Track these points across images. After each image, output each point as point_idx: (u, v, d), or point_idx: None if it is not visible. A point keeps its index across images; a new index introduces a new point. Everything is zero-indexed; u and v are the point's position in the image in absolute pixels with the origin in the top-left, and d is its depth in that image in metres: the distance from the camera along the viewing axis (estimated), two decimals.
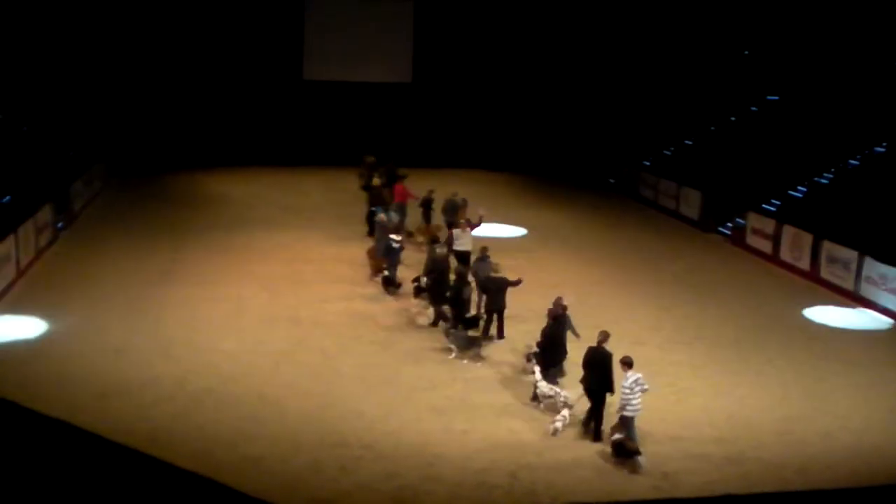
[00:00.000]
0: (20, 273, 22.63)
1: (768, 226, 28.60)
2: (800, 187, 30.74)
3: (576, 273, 24.83)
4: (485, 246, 21.34)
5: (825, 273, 25.37)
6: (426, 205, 27.81)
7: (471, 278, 20.06)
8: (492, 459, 14.35)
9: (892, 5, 34.38)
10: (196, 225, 29.53)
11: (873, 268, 23.48)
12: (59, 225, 27.48)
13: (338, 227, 29.33)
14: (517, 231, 30.25)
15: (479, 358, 18.50)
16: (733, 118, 38.90)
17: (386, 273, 22.70)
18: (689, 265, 27.42)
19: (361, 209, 29.07)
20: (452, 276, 20.44)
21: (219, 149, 41.06)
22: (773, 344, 20.48)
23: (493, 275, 19.78)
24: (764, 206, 30.16)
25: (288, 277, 23.93)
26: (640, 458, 14.28)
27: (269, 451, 14.30)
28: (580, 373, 15.64)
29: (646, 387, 14.72)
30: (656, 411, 16.45)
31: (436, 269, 20.58)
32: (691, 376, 18.32)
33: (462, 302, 19.45)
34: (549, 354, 16.75)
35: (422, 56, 43.63)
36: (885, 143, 30.42)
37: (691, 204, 33.76)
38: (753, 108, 38.68)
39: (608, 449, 14.68)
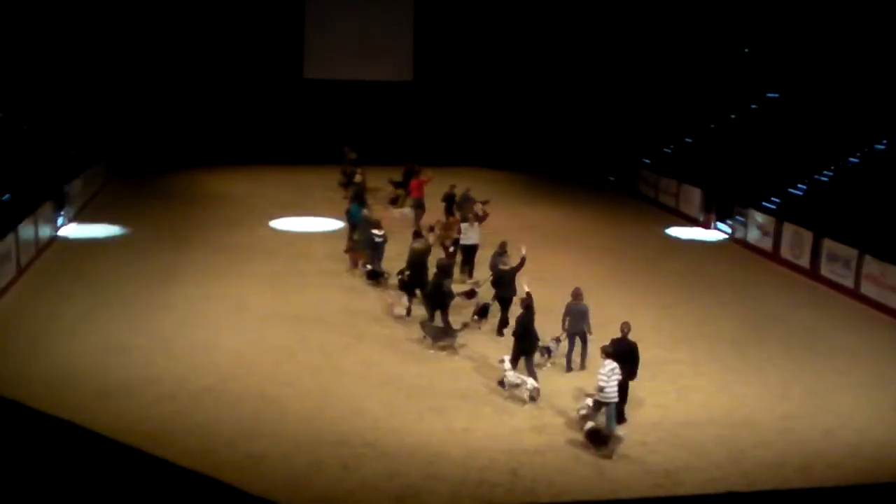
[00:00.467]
0: (20, 272, 22.62)
1: (768, 223, 28.61)
2: (800, 185, 30.74)
3: (576, 271, 24.80)
4: (504, 241, 21.66)
5: (825, 271, 25.37)
6: (448, 200, 28.09)
7: (473, 280, 20.19)
8: (493, 458, 14.35)
9: (891, 3, 34.37)
10: (197, 223, 29.53)
11: (873, 265, 23.48)
12: (60, 222, 27.48)
13: (339, 225, 29.32)
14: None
15: (452, 350, 18.79)
16: (733, 116, 38.90)
17: (369, 266, 23.12)
18: (689, 263, 27.42)
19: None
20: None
21: (220, 147, 41.09)
22: (773, 342, 20.49)
23: (502, 267, 20.29)
24: (764, 203, 30.16)
25: (289, 275, 23.93)
26: (618, 435, 14.69)
27: (270, 450, 14.30)
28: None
29: (619, 376, 15.10)
30: (657, 409, 16.50)
31: (413, 262, 20.97)
32: (692, 374, 18.33)
33: (441, 294, 19.60)
34: (521, 343, 17.04)
35: (422, 54, 43.62)
36: (885, 141, 30.42)
37: (691, 201, 33.78)
38: (753, 106, 38.68)
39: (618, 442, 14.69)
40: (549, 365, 18.12)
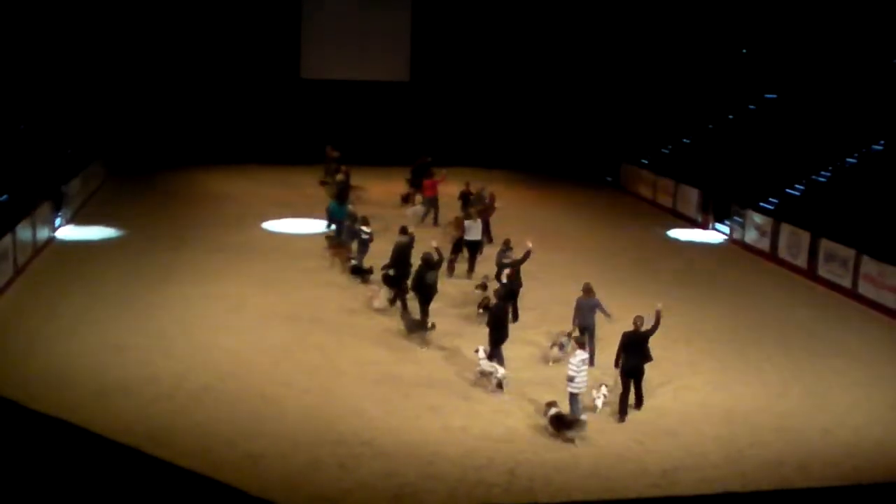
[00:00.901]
0: (18, 272, 22.61)
1: (766, 224, 28.63)
2: (797, 185, 30.77)
3: (573, 270, 24.79)
4: (508, 238, 22.43)
5: (823, 271, 25.39)
6: (464, 198, 28.40)
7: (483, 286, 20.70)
8: (490, 457, 14.36)
9: (889, 4, 34.41)
10: (194, 222, 29.50)
11: (871, 266, 23.50)
12: (58, 223, 27.46)
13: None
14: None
15: (424, 342, 19.15)
16: (731, 116, 38.93)
17: (353, 262, 23.55)
18: (686, 263, 27.44)
19: (359, 207, 29.01)
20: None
21: (217, 147, 41.04)
22: (771, 341, 20.51)
23: (506, 261, 20.96)
24: (762, 203, 30.19)
25: (287, 275, 23.92)
26: (583, 418, 15.08)
27: (268, 449, 14.30)
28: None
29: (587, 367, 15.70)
30: (654, 409, 16.51)
31: (397, 256, 21.33)
32: (689, 373, 18.35)
33: (425, 286, 19.87)
34: (495, 332, 17.50)
35: (419, 55, 43.59)
36: (882, 141, 30.45)
37: (689, 202, 33.79)
38: (751, 107, 38.71)
39: (612, 443, 14.69)
40: (559, 353, 18.36)
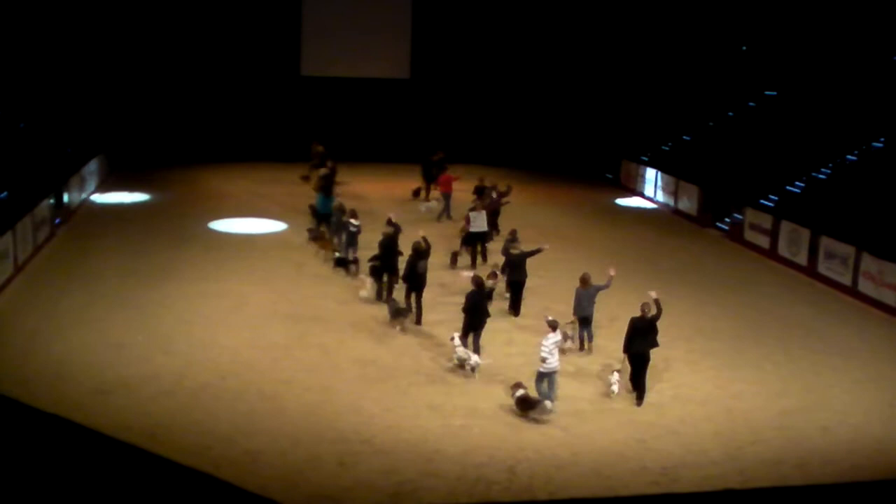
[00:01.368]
0: (18, 269, 22.61)
1: (766, 221, 28.63)
2: (798, 182, 30.76)
3: (572, 269, 24.77)
4: (514, 229, 23.19)
5: (823, 268, 25.39)
6: (478, 192, 28.76)
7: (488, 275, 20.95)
8: (490, 455, 14.36)
9: (889, 1, 34.38)
10: (194, 220, 29.50)
11: (871, 263, 23.50)
12: (57, 221, 27.46)
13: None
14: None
15: (403, 329, 19.67)
16: (731, 113, 38.92)
17: (337, 254, 23.97)
18: (686, 261, 27.44)
19: (358, 205, 29.02)
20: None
21: (217, 144, 41.04)
22: (771, 339, 20.51)
23: (513, 251, 21.46)
24: (762, 201, 30.19)
25: (287, 273, 23.93)
26: (547, 403, 15.54)
27: (267, 447, 14.31)
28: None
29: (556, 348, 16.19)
30: (654, 407, 16.52)
31: (382, 247, 21.74)
32: (689, 371, 18.35)
33: (416, 276, 20.14)
34: (471, 319, 17.89)
35: (420, 52, 43.59)
36: (882, 139, 30.44)
37: (689, 199, 33.79)
38: (751, 104, 38.70)
39: (613, 441, 14.69)
40: (570, 345, 18.69)
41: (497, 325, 19.82)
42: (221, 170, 38.83)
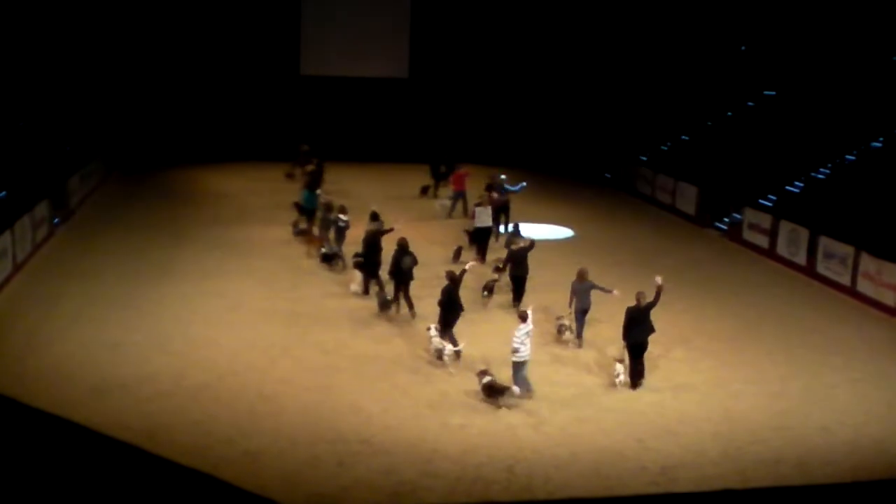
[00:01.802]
0: (16, 268, 22.58)
1: (765, 221, 28.62)
2: (796, 182, 30.74)
3: (571, 268, 24.77)
4: (517, 223, 24.59)
5: (822, 268, 25.38)
6: (490, 189, 28.82)
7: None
8: (489, 455, 14.35)
9: (888, 1, 34.37)
10: (193, 220, 29.49)
11: (870, 263, 23.49)
12: (56, 220, 27.44)
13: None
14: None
15: (388, 318, 20.36)
16: (730, 113, 38.88)
17: (324, 249, 24.34)
18: (685, 260, 27.42)
19: (357, 204, 29.02)
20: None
21: (217, 144, 41.01)
22: (769, 339, 20.50)
23: (513, 248, 22.10)
24: (760, 201, 30.17)
25: (286, 273, 23.92)
26: (514, 389, 16.01)
27: (267, 447, 14.30)
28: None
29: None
30: (653, 406, 16.52)
31: (365, 244, 22.13)
32: (688, 371, 18.35)
33: (401, 271, 20.48)
34: (447, 312, 18.27)
35: (419, 51, 43.58)
36: (881, 138, 30.44)
37: (688, 199, 33.77)
38: (750, 104, 38.68)
39: (612, 441, 14.68)
40: (568, 335, 19.27)
41: (499, 319, 20.12)
42: (220, 169, 38.79)
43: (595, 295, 19.29)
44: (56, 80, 37.60)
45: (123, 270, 23.44)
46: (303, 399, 16.18)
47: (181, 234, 27.56)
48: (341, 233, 24.33)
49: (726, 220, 31.22)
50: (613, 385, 17.12)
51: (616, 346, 18.11)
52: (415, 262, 20.65)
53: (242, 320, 20.13)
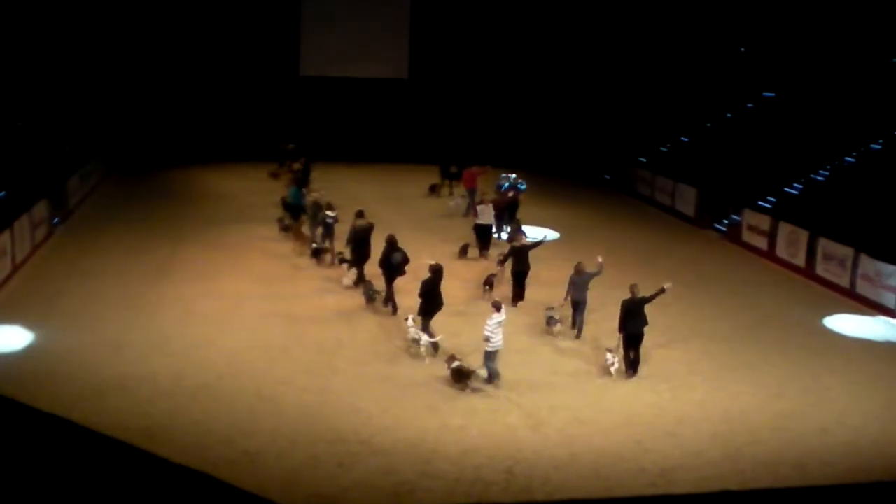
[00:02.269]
0: (15, 268, 22.58)
1: (764, 222, 28.63)
2: (796, 184, 30.77)
3: (570, 269, 24.79)
4: (519, 219, 25.61)
5: (821, 270, 25.39)
6: (500, 189, 29.79)
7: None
8: (488, 455, 14.35)
9: (888, 3, 34.40)
10: (193, 221, 29.49)
11: (869, 264, 23.50)
12: (55, 220, 27.44)
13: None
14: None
15: (375, 309, 20.99)
16: (729, 115, 38.92)
17: (314, 244, 25.00)
18: (684, 262, 27.43)
19: (357, 205, 29.00)
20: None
21: (216, 145, 41.02)
22: (768, 340, 20.51)
23: (516, 244, 22.80)
24: (760, 202, 30.19)
25: (285, 273, 23.93)
26: (481, 372, 16.72)
27: (266, 447, 14.29)
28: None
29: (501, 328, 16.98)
30: (652, 407, 16.52)
31: (355, 238, 22.61)
32: (687, 372, 18.35)
33: (391, 266, 20.87)
34: (427, 304, 18.65)
35: (418, 52, 43.60)
36: (881, 140, 30.47)
37: (687, 200, 33.79)
38: (749, 105, 38.71)
39: (611, 442, 14.68)
40: (559, 328, 19.82)
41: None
42: (220, 169, 38.79)
43: (592, 289, 19.96)
44: (56, 80, 37.61)
45: (122, 270, 23.43)
46: (302, 399, 16.17)
47: (180, 234, 27.57)
48: (329, 229, 24.88)
49: (725, 221, 31.23)
50: (608, 373, 17.57)
51: (612, 338, 18.43)
52: (405, 258, 20.99)
53: (241, 320, 20.13)
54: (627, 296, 18.05)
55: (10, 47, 35.30)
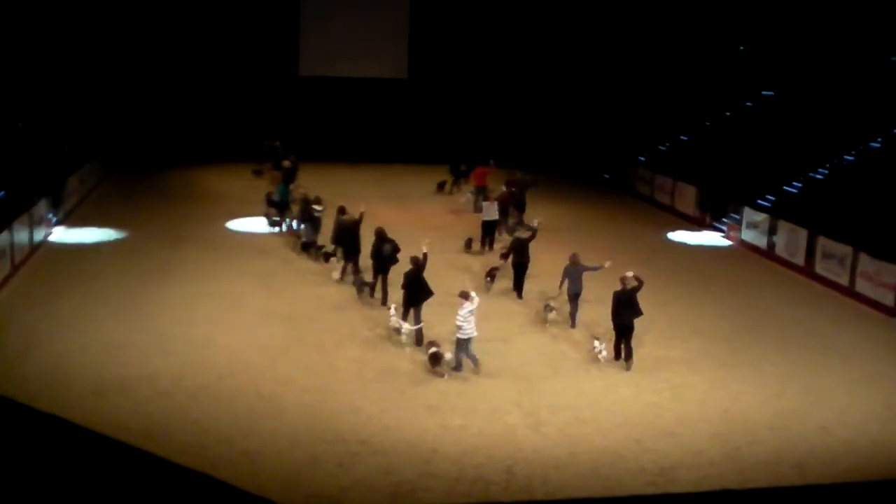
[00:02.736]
0: (15, 268, 22.58)
1: (763, 221, 28.63)
2: (795, 183, 30.78)
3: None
4: (521, 214, 27.24)
5: (820, 268, 25.40)
6: (509, 186, 30.03)
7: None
8: (488, 455, 14.35)
9: (887, 2, 34.41)
10: (192, 220, 29.49)
11: (868, 263, 23.51)
12: (55, 220, 27.43)
13: (332, 222, 29.26)
14: None
15: (365, 302, 21.49)
16: (728, 114, 38.94)
17: (304, 239, 25.67)
18: (683, 261, 27.44)
19: (356, 204, 29.01)
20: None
21: (215, 145, 41.02)
22: (768, 339, 20.52)
23: (517, 235, 23.91)
24: (759, 201, 30.20)
25: (284, 273, 23.93)
26: (447, 355, 17.27)
27: (265, 447, 14.29)
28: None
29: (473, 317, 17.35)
30: (651, 407, 16.52)
31: (341, 233, 23.34)
32: (687, 372, 18.35)
33: (381, 258, 21.42)
34: (410, 294, 19.13)
35: (417, 52, 43.61)
36: (880, 139, 30.48)
37: (686, 199, 33.80)
38: (748, 104, 38.72)
39: (610, 441, 14.69)
40: (553, 316, 20.36)
41: (500, 304, 21.20)
42: (219, 170, 38.78)
43: (595, 286, 20.36)
44: (55, 80, 37.61)
45: (122, 271, 23.42)
46: (302, 399, 16.17)
47: (180, 234, 27.56)
48: (316, 223, 25.55)
49: (725, 220, 31.24)
50: (596, 361, 18.16)
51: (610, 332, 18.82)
52: (396, 249, 21.44)
53: (241, 321, 20.13)
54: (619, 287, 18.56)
55: (10, 47, 35.29)
